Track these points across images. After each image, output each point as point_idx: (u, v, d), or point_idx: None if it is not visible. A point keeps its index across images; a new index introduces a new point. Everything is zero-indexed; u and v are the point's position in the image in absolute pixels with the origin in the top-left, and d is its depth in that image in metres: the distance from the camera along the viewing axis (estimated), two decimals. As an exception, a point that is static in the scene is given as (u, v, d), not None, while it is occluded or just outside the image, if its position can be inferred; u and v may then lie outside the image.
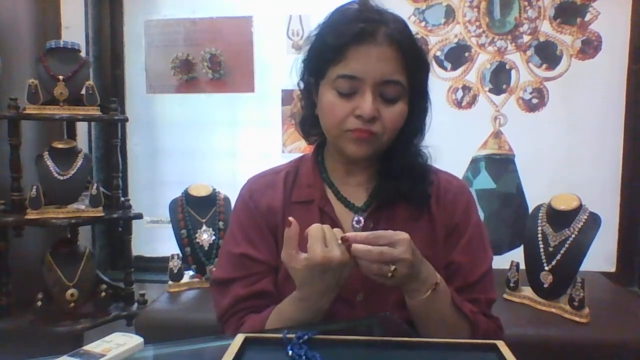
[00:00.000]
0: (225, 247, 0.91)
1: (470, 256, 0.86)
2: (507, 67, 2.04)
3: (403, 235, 0.69)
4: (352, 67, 0.76)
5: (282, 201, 0.88)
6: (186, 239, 1.73)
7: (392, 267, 0.66)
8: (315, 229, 0.68)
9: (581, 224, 1.44)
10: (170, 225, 1.78)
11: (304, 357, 0.57)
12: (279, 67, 2.11)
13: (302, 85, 0.88)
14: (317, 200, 0.87)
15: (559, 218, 1.48)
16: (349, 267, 0.69)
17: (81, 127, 2.02)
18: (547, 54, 2.01)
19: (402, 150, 0.85)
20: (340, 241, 0.67)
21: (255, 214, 0.88)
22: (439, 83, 2.04)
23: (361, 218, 0.85)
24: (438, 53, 2.06)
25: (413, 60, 0.79)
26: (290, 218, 0.70)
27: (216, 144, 2.17)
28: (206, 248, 1.72)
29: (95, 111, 1.73)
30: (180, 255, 1.73)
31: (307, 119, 0.90)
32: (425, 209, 0.86)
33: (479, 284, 0.85)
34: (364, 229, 0.84)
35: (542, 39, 2.01)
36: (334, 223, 0.83)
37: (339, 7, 0.82)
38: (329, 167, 0.91)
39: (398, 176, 0.85)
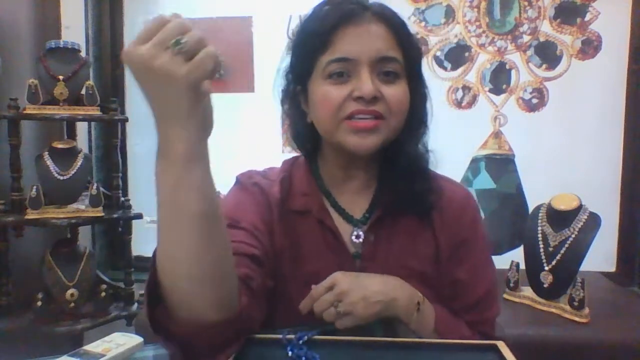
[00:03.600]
0: None
1: (475, 273, 0.80)
2: (507, 67, 2.04)
3: (334, 276, 0.70)
4: (343, 49, 0.71)
5: (278, 208, 0.79)
6: (186, 239, 1.72)
7: (335, 305, 0.68)
8: (152, 20, 0.50)
9: (581, 224, 1.44)
10: (170, 225, 1.78)
11: (303, 358, 0.57)
12: (279, 67, 2.10)
13: (286, 102, 0.83)
14: (315, 211, 0.79)
15: (559, 218, 1.48)
16: (168, 79, 0.49)
17: (81, 127, 2.02)
18: (547, 54, 2.01)
19: (406, 144, 0.77)
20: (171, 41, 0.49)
21: (258, 200, 0.79)
22: (439, 83, 2.04)
23: (361, 232, 0.79)
24: (438, 53, 2.06)
25: (405, 37, 0.74)
26: (176, 13, 0.52)
27: (216, 144, 2.15)
28: (206, 248, 1.71)
29: (95, 111, 1.73)
30: (180, 255, 1.73)
31: (301, 131, 0.83)
32: (428, 222, 0.79)
33: (483, 302, 0.80)
34: (364, 243, 0.78)
35: (542, 39, 2.01)
36: (335, 236, 0.78)
37: (318, 4, 0.78)
38: (324, 173, 0.83)
39: (402, 177, 0.77)
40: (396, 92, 0.72)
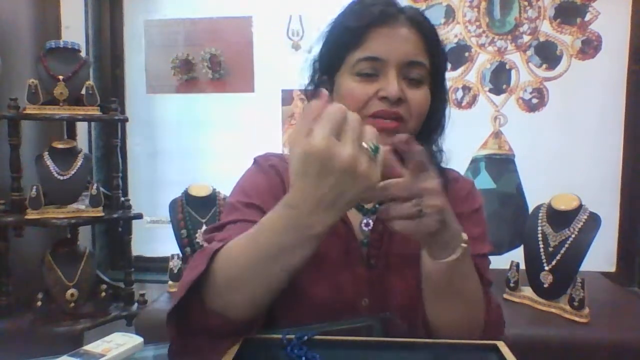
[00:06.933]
0: (230, 198, 0.81)
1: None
2: (507, 67, 2.04)
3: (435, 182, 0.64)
4: (375, 48, 0.74)
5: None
6: (186, 239, 1.72)
7: (416, 203, 0.61)
8: (334, 110, 0.51)
9: (581, 224, 1.44)
10: (170, 225, 1.78)
11: (304, 358, 0.57)
12: (279, 67, 2.10)
13: (309, 89, 0.84)
14: None
15: (559, 218, 1.49)
16: (361, 183, 0.51)
17: (81, 127, 2.02)
18: (547, 54, 2.01)
19: (422, 144, 0.75)
20: (370, 145, 0.51)
21: (273, 181, 0.81)
22: (439, 83, 2.04)
23: (370, 220, 0.80)
24: (438, 53, 2.06)
25: (434, 44, 0.78)
26: (324, 90, 0.55)
27: (216, 144, 2.16)
28: (206, 248, 1.71)
29: (95, 111, 1.73)
30: (180, 255, 1.73)
31: None
32: None
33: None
34: (372, 231, 0.79)
35: (542, 39, 2.01)
36: (346, 224, 0.79)
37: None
38: None
39: None
40: (419, 96, 0.75)
